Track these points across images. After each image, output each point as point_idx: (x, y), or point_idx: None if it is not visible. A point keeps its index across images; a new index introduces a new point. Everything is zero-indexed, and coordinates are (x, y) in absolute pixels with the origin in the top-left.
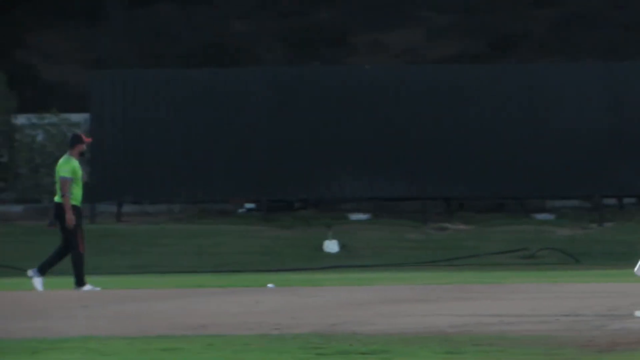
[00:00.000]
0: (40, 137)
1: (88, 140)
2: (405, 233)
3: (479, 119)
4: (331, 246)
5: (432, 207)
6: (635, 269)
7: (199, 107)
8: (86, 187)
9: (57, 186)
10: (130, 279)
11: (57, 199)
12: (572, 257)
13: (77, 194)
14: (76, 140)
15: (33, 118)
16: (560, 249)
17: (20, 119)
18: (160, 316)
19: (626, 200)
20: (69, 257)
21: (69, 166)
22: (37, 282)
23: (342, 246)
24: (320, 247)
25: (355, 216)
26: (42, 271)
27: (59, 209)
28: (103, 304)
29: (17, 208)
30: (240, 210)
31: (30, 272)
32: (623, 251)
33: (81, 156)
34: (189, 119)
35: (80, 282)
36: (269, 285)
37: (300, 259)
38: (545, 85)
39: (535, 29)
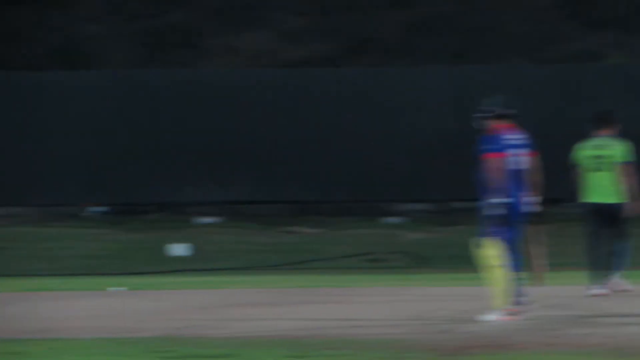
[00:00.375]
0: None
1: None
2: (255, 236)
3: (329, 122)
4: (180, 249)
5: (281, 210)
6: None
7: (49, 110)
8: None
9: None
10: None
11: None
12: (421, 261)
13: None
14: None
15: None
16: (409, 253)
17: None
18: (5, 320)
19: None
20: None
21: None
22: None
23: (191, 249)
24: (168, 250)
25: (205, 219)
26: None
27: None
28: None
29: None
30: (89, 214)
31: None
32: (472, 255)
33: None
34: (39, 122)
35: None
36: (115, 288)
37: (148, 262)
38: (396, 89)
39: (387, 33)
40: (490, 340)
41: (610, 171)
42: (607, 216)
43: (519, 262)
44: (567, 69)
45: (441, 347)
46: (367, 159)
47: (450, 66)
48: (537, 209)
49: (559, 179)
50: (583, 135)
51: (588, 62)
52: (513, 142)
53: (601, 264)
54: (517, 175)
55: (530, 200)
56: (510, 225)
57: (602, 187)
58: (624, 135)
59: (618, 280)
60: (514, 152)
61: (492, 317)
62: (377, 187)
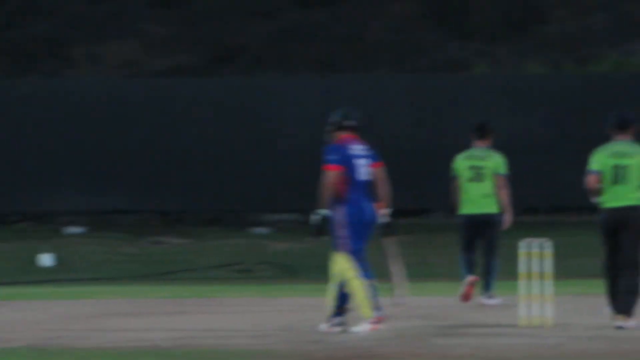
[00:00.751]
0: None
1: None
2: (121, 247)
3: (196, 132)
4: (45, 260)
5: (149, 220)
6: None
7: None
8: None
9: None
10: None
11: None
12: (289, 271)
13: None
14: None
15: None
16: (276, 263)
17: None
18: None
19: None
20: None
21: None
22: None
23: (57, 260)
24: (34, 260)
25: (71, 229)
26: None
27: None
28: None
29: None
30: None
31: None
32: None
33: None
34: None
35: None
36: None
37: (13, 272)
38: (263, 98)
39: (254, 42)
40: (359, 350)
41: (487, 182)
42: (482, 227)
43: (369, 272)
44: (432, 78)
45: (311, 357)
46: (234, 169)
47: (318, 75)
48: (385, 219)
49: (426, 188)
50: (448, 145)
51: (453, 71)
52: (356, 153)
53: (472, 265)
54: (362, 186)
55: (378, 212)
56: (357, 235)
57: (479, 198)
58: (493, 145)
59: (485, 298)
60: (357, 162)
61: (362, 327)
62: (244, 197)
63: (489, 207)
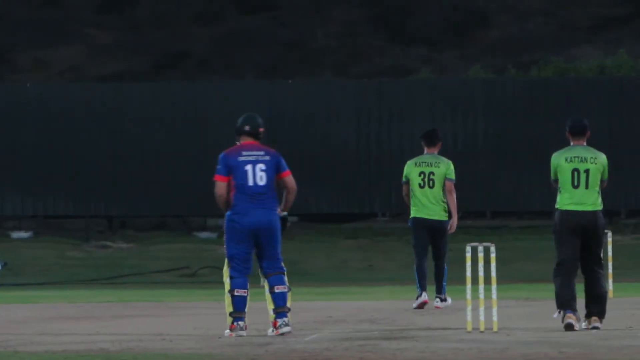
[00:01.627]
0: None
1: None
2: (68, 251)
3: (141, 136)
4: None
5: (95, 225)
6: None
7: None
8: None
9: None
10: None
11: None
12: None
13: None
14: None
15: None
16: (221, 267)
17: None
18: None
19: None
20: None
21: None
22: None
23: (4, 264)
24: None
25: (17, 234)
26: None
27: None
28: None
29: None
30: None
31: None
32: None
33: None
34: None
35: None
36: None
37: None
38: (208, 103)
39: (199, 47)
40: (306, 354)
41: (437, 188)
42: (432, 232)
43: (244, 279)
44: (376, 83)
45: None
46: (180, 174)
47: (262, 80)
48: (287, 225)
49: (370, 193)
50: (392, 150)
51: (397, 76)
52: (247, 159)
53: (426, 277)
54: (250, 192)
55: (281, 216)
56: (237, 241)
57: (429, 203)
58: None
59: (437, 301)
60: (245, 169)
61: (226, 332)
62: (189, 202)
63: (439, 213)
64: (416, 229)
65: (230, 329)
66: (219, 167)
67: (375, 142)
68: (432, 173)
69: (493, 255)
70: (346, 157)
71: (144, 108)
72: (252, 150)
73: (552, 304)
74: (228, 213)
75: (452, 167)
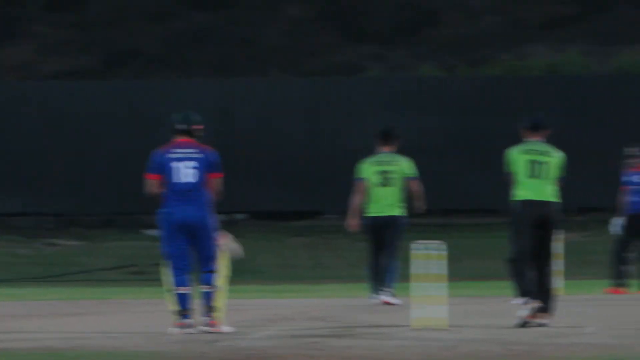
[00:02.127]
0: None
1: None
2: (16, 249)
3: (91, 135)
4: None
5: (44, 222)
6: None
7: None
8: None
9: None
10: None
11: None
12: None
13: None
14: None
15: None
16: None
17: None
18: None
19: (238, 216)
20: None
21: None
22: None
23: None
24: None
25: None
26: None
27: None
28: None
29: None
30: None
31: None
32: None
33: None
34: None
35: None
36: None
37: None
38: (158, 101)
39: (150, 45)
40: (253, 352)
41: (396, 186)
42: (386, 228)
43: (184, 277)
44: (327, 81)
45: (205, 358)
46: (128, 171)
47: (213, 78)
48: (217, 223)
49: (320, 191)
50: (343, 148)
51: (348, 74)
52: (178, 157)
53: (379, 275)
54: (181, 189)
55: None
56: (171, 239)
57: (386, 202)
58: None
59: (388, 297)
60: (176, 167)
61: (170, 330)
62: (138, 199)
63: (394, 210)
64: (372, 227)
65: (178, 327)
66: (149, 165)
67: (325, 140)
68: (390, 171)
69: (443, 253)
70: (296, 154)
71: (94, 106)
72: (182, 148)
73: (501, 301)
74: (160, 212)
75: (411, 164)
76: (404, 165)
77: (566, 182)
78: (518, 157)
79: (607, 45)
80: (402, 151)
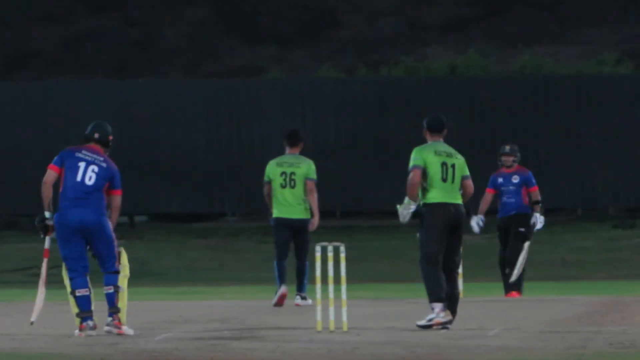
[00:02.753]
0: None
1: None
2: None
3: None
4: None
5: None
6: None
7: None
8: None
9: None
10: None
11: None
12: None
13: None
14: None
15: None
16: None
17: None
18: None
19: (138, 218)
20: None
21: None
22: None
23: None
24: None
25: None
26: None
27: None
28: None
29: None
30: None
31: None
32: (138, 269)
33: None
34: None
35: None
36: None
37: None
38: (57, 103)
39: (47, 47)
40: (156, 354)
41: (299, 187)
42: (294, 231)
43: (81, 279)
44: (226, 83)
45: None
46: (29, 173)
47: (112, 80)
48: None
49: (221, 193)
50: (243, 149)
51: (247, 76)
52: (82, 157)
53: (286, 274)
54: (77, 191)
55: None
56: (64, 241)
57: (291, 203)
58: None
59: (297, 298)
60: (77, 166)
61: (76, 332)
62: (39, 201)
63: (301, 212)
64: (278, 227)
65: (80, 329)
66: (56, 157)
67: (225, 142)
68: (293, 173)
69: (343, 255)
70: (196, 156)
71: None
72: (92, 153)
73: (402, 303)
74: (55, 215)
75: (313, 167)
76: (307, 167)
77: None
78: (430, 159)
79: (506, 46)
80: (302, 153)
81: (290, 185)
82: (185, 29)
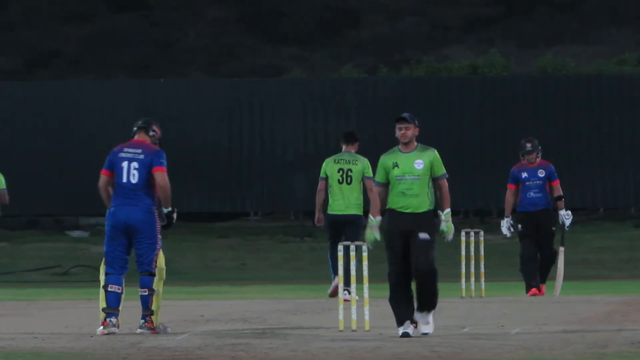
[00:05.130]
0: None
1: None
2: None
3: (12, 135)
4: None
5: None
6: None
7: None
8: None
9: None
10: None
11: None
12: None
13: None
14: None
15: None
16: (93, 266)
17: None
18: None
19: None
20: None
21: None
22: None
23: None
24: None
25: None
26: None
27: None
28: None
29: None
30: None
31: None
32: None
33: None
34: None
35: None
36: None
37: None
38: (79, 101)
39: (69, 46)
40: (177, 353)
41: (354, 184)
42: (346, 227)
43: (115, 276)
44: (247, 82)
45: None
46: (52, 172)
47: (133, 79)
48: (173, 220)
49: (244, 192)
50: (264, 148)
51: (269, 76)
52: (125, 156)
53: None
54: (123, 190)
55: (166, 212)
56: (109, 239)
57: (346, 198)
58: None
59: (345, 293)
60: (122, 166)
61: (98, 329)
62: (62, 201)
63: (354, 209)
64: (332, 221)
65: (103, 325)
66: (106, 163)
67: (247, 142)
68: (350, 170)
69: (365, 254)
70: (218, 156)
71: (15, 107)
72: (132, 148)
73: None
74: (107, 211)
75: (368, 164)
76: (362, 165)
77: (487, 184)
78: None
79: (527, 47)
80: (324, 153)
81: (347, 181)
82: (207, 29)
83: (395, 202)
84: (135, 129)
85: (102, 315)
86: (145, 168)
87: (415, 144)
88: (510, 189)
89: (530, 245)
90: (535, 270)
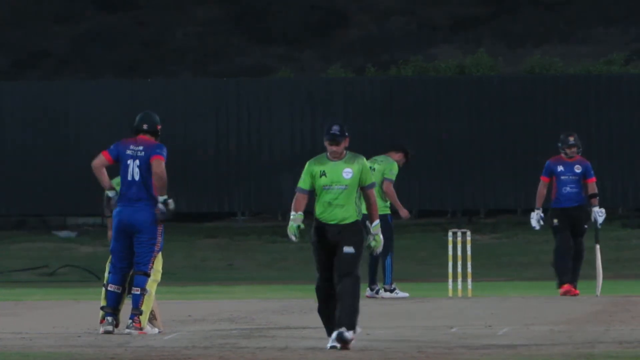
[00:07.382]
0: None
1: None
2: None
3: (2, 135)
4: None
5: None
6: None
7: None
8: None
9: None
10: None
11: None
12: (94, 275)
13: None
14: None
15: None
16: (81, 266)
17: None
18: None
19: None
20: None
21: None
22: None
23: None
24: None
25: None
26: None
27: None
28: None
29: None
30: None
31: None
32: None
33: None
34: None
35: None
36: None
37: None
38: (67, 102)
39: (57, 46)
40: (166, 353)
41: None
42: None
43: (117, 275)
44: (236, 83)
45: None
46: (39, 172)
47: (122, 79)
48: (169, 208)
49: (231, 193)
50: (252, 149)
51: (257, 76)
52: (129, 154)
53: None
54: (128, 187)
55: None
56: (114, 236)
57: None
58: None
59: (382, 292)
60: (130, 164)
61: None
62: (49, 201)
63: (380, 209)
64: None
65: (100, 323)
66: (112, 146)
67: (234, 141)
68: (372, 168)
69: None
70: (205, 156)
71: (3, 107)
72: (137, 145)
73: (410, 302)
74: (114, 210)
75: (392, 166)
76: (384, 166)
77: (474, 185)
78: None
79: (515, 46)
80: (310, 153)
81: None
82: (195, 29)
83: (321, 212)
84: (144, 127)
85: (101, 313)
86: (146, 163)
87: (345, 152)
88: (544, 182)
89: (568, 239)
90: (569, 266)
